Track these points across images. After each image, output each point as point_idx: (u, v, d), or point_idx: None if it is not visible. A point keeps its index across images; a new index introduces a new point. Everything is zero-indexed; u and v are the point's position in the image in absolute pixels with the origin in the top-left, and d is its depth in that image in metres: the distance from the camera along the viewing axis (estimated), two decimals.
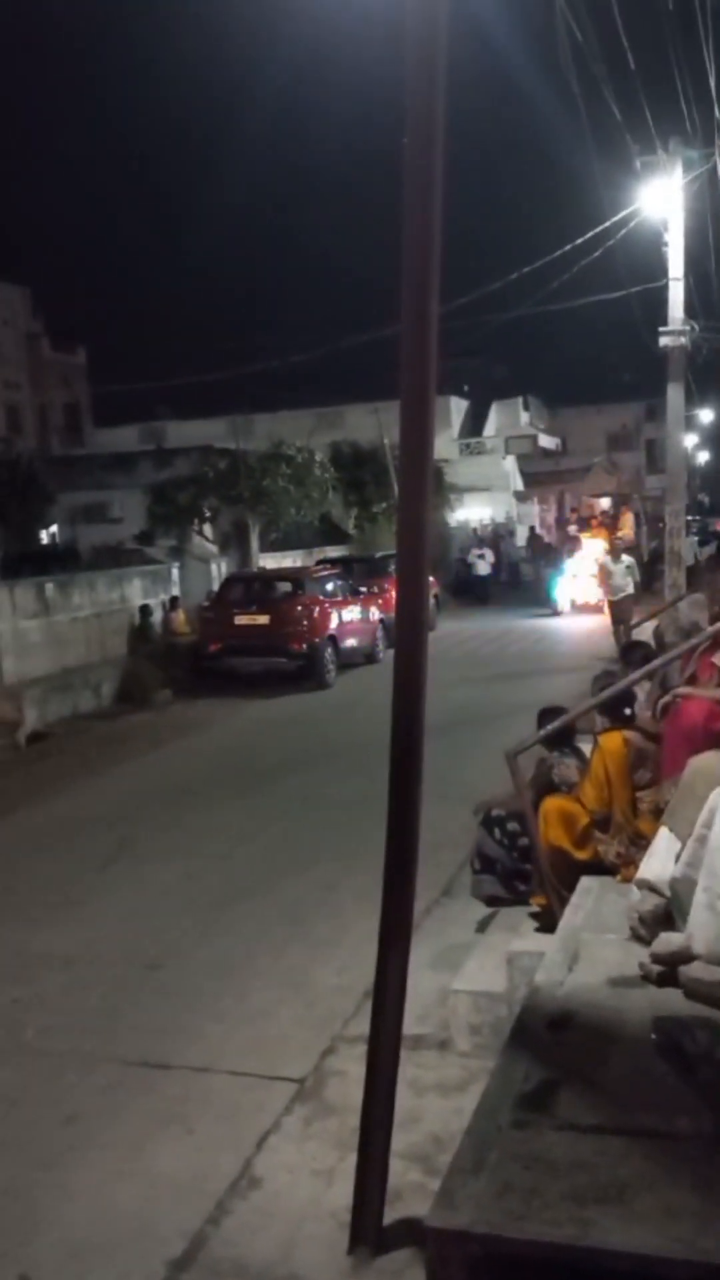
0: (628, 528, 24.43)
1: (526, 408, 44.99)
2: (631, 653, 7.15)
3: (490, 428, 41.21)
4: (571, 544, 22.85)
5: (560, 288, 17.82)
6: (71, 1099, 4.34)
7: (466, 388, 39.77)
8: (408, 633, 3.35)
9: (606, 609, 18.73)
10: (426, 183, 3.00)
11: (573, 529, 23.41)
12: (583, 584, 21.07)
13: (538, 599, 23.09)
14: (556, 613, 21.39)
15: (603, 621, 18.44)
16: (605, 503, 27.25)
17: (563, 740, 5.32)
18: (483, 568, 26.50)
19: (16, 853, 8.00)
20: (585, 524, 24.66)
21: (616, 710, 5.09)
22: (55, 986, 5.48)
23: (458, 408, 39.03)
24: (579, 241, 16.35)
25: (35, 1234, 3.48)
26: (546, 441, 44.99)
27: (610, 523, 24.29)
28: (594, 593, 20.24)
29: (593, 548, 21.59)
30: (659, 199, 16.06)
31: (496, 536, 31.32)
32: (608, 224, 15.98)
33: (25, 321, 39.07)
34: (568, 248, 16.53)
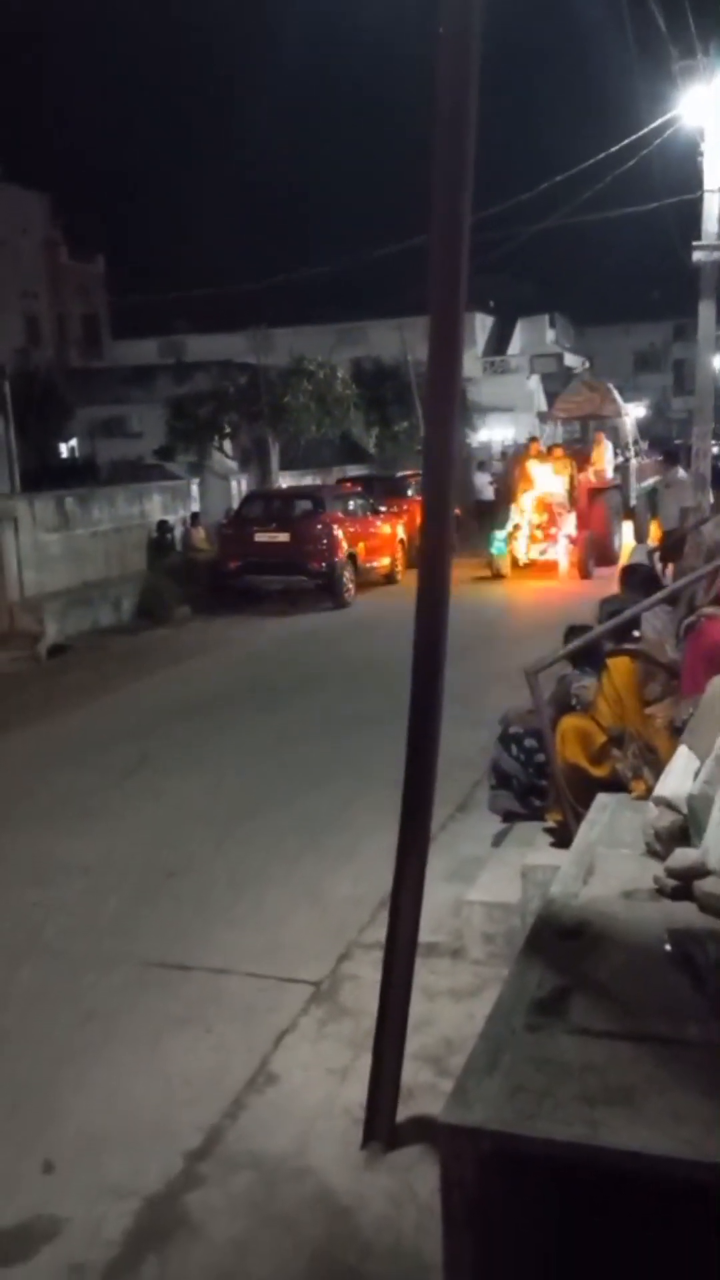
0: (600, 461, 18.47)
1: (553, 325, 44.05)
2: (632, 575, 7.11)
3: (515, 346, 40.40)
4: (521, 484, 17.37)
5: (591, 199, 17.29)
6: (90, 997, 4.44)
7: (492, 304, 38.92)
8: (432, 553, 3.32)
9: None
10: (461, 82, 2.87)
11: (534, 464, 17.54)
12: (529, 535, 16.73)
13: None
14: (498, 575, 16.41)
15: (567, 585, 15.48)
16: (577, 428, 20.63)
17: (586, 659, 5.31)
18: (489, 493, 25.94)
19: (37, 763, 8.10)
20: (547, 454, 18.46)
21: (624, 634, 5.08)
22: (75, 891, 5.58)
23: (482, 324, 38.24)
24: (612, 150, 15.81)
25: (55, 1125, 3.59)
26: (572, 361, 44.09)
27: (577, 452, 18.53)
28: (544, 545, 16.68)
29: (547, 482, 17.09)
30: (697, 106, 15.45)
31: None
32: (643, 132, 15.42)
33: (43, 228, 38.29)
34: (600, 157, 15.99)
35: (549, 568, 16.69)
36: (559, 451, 18.21)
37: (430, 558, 3.31)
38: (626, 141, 15.63)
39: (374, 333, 31.65)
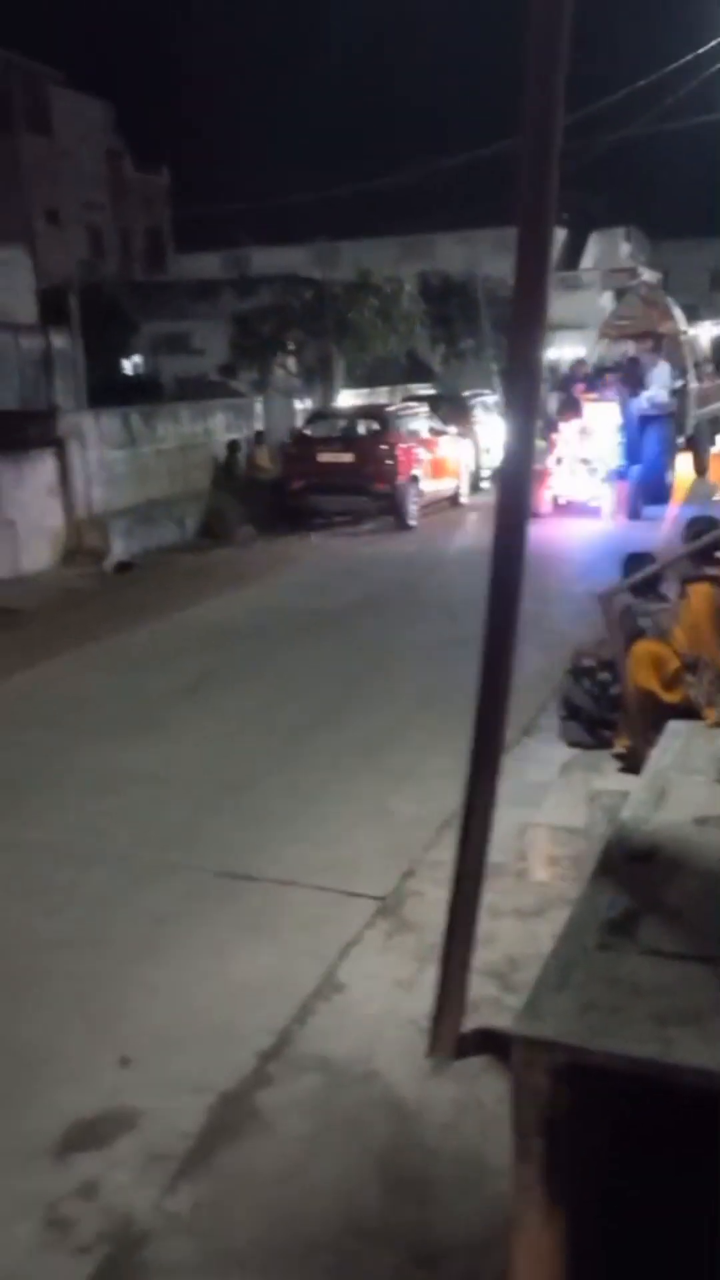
0: (655, 385, 16.21)
1: (627, 240, 42.54)
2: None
3: (588, 260, 39.11)
4: (567, 414, 15.17)
5: (673, 106, 16.54)
6: (159, 903, 4.57)
7: (565, 216, 37.64)
8: (513, 468, 3.26)
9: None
10: None
11: (579, 388, 15.64)
12: (572, 472, 14.71)
13: None
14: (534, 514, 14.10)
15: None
16: (632, 347, 17.57)
17: (650, 587, 5.24)
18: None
19: (102, 676, 8.26)
20: (593, 381, 16.26)
21: (706, 557, 4.98)
22: (142, 801, 5.72)
23: (556, 238, 37.01)
24: (698, 53, 15.07)
25: (128, 1023, 3.73)
26: (647, 277, 42.66)
27: (628, 374, 16.25)
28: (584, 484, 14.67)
29: (594, 410, 15.00)
30: None
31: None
32: None
33: (106, 139, 37.68)
34: (683, 61, 15.27)
35: (592, 507, 14.67)
36: (609, 377, 16.18)
37: (511, 474, 3.25)
38: (709, 46, 14.89)
39: (441, 246, 30.89)
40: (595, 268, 37.96)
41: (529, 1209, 2.21)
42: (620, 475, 14.66)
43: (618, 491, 14.54)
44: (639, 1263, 2.15)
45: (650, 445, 15.30)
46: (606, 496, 14.48)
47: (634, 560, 5.69)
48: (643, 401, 15.60)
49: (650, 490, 14.89)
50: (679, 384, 16.80)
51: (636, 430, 15.18)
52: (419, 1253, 2.67)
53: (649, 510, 14.40)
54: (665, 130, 18.41)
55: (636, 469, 14.85)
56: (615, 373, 16.35)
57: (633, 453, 14.98)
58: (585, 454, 14.63)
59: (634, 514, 14.32)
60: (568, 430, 14.83)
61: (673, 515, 13.53)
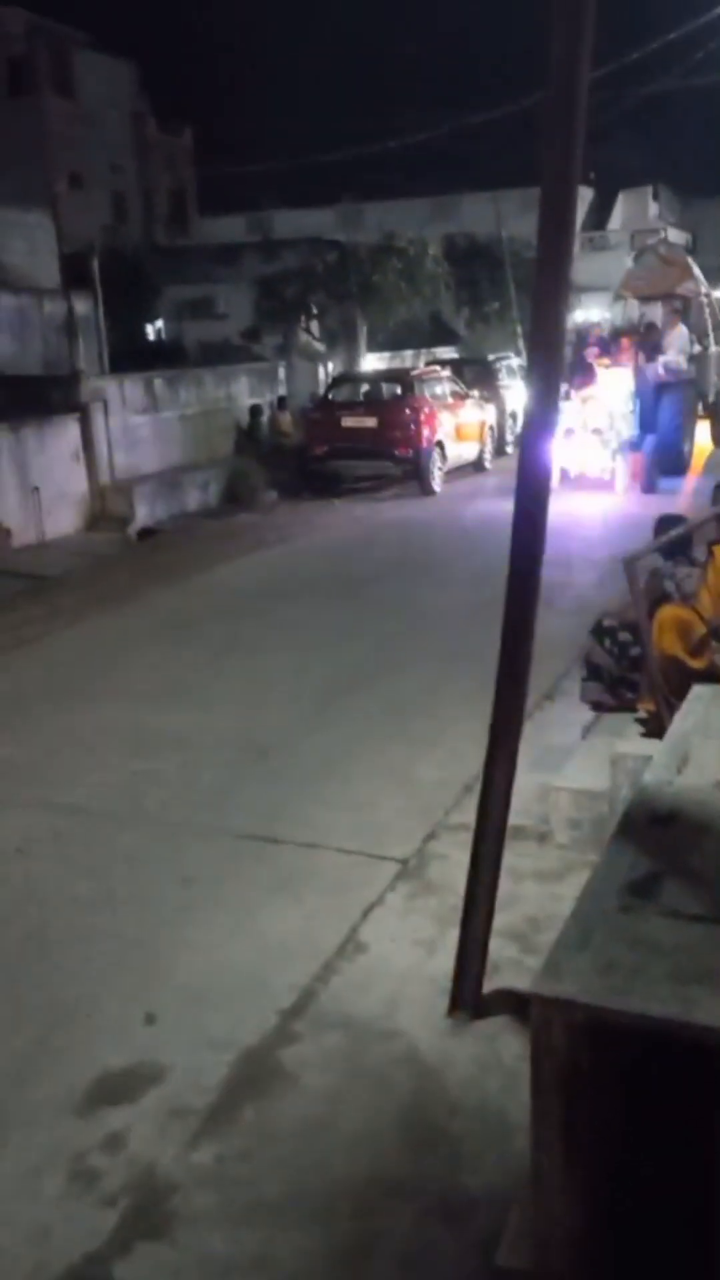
0: (673, 349, 15.09)
1: (656, 198, 41.78)
2: None
3: (616, 220, 38.50)
4: (579, 380, 14.13)
5: (704, 59, 16.18)
6: (188, 863, 4.63)
7: (592, 175, 37.03)
8: (535, 431, 3.24)
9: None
10: None
11: (593, 353, 14.60)
12: (582, 443, 13.62)
13: None
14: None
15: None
16: (658, 311, 16.21)
17: (680, 550, 5.20)
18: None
19: (131, 641, 8.31)
20: (608, 346, 15.24)
21: None
22: (171, 764, 5.77)
23: (582, 197, 36.49)
24: None
25: (156, 980, 3.79)
26: (676, 237, 41.88)
27: (644, 338, 15.19)
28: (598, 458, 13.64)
29: (612, 382, 14.13)
30: None
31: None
32: None
33: (131, 100, 37.26)
34: (715, 13, 14.90)
35: (606, 480, 13.62)
36: (626, 341, 15.12)
37: (533, 438, 3.23)
38: None
39: (468, 206, 30.47)
40: (623, 228, 37.38)
41: (548, 1166, 2.24)
42: (634, 446, 13.83)
43: (631, 463, 13.66)
44: (656, 1220, 2.18)
45: (666, 414, 14.35)
46: (619, 469, 13.62)
47: (666, 522, 5.65)
48: (659, 367, 14.67)
49: (666, 462, 13.96)
50: (698, 349, 15.85)
51: (652, 398, 14.29)
52: (440, 1206, 2.71)
53: (665, 483, 13.57)
54: (696, 85, 17.98)
55: (651, 439, 13.93)
56: (632, 336, 15.40)
57: (648, 422, 14.12)
58: (597, 423, 13.66)
59: (649, 487, 13.44)
60: (579, 398, 13.87)
61: (690, 488, 13.22)
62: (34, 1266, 2.63)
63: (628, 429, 13.88)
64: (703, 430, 15.86)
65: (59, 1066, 3.35)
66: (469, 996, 3.40)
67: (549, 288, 3.07)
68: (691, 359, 15.47)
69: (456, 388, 16.61)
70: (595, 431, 13.61)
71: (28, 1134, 3.08)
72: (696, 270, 17.04)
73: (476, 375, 18.70)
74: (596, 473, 13.55)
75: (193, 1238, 2.68)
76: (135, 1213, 2.77)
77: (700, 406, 15.70)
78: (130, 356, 17.34)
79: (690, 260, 17.55)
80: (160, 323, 25.26)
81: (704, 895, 2.62)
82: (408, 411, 14.99)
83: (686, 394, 14.98)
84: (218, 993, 3.68)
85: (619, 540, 7.82)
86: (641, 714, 4.79)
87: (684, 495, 12.70)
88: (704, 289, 16.95)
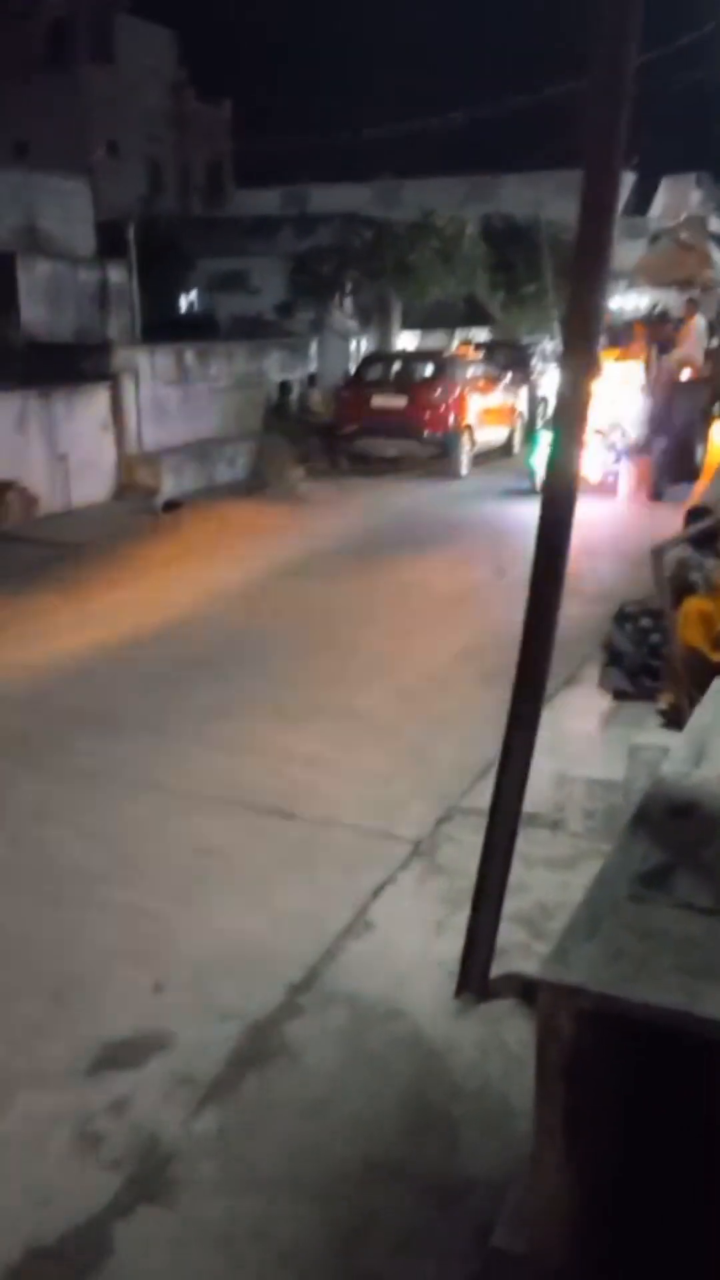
0: (688, 343, 13.74)
1: (699, 185, 41.18)
2: None
3: (657, 207, 37.97)
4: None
5: None
6: (201, 836, 4.66)
7: (635, 160, 36.53)
8: (566, 416, 3.22)
9: None
10: None
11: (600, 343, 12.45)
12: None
13: None
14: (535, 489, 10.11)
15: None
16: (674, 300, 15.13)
17: (709, 543, 5.17)
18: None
19: (153, 611, 8.32)
20: (620, 336, 13.68)
21: None
22: (187, 737, 5.79)
23: (624, 182, 36.04)
24: None
25: (167, 950, 3.82)
26: (718, 225, 41.39)
27: (658, 331, 13.93)
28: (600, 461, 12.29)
29: (620, 377, 12.69)
30: None
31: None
32: None
33: (171, 69, 37.00)
34: None
35: (609, 486, 12.42)
36: (639, 329, 13.78)
37: (565, 424, 3.20)
38: None
39: (507, 188, 30.14)
40: (665, 215, 36.89)
41: (549, 1151, 2.24)
42: (642, 448, 12.73)
43: (638, 467, 12.53)
44: (654, 1207, 2.18)
45: (679, 413, 13.15)
46: (624, 473, 12.49)
47: (697, 514, 5.63)
48: (673, 364, 13.52)
49: (677, 466, 12.59)
50: (715, 342, 14.58)
51: (664, 396, 13.11)
52: (437, 1188, 2.73)
53: (673, 490, 11.99)
54: None
55: (661, 441, 12.76)
56: (645, 325, 14.26)
57: (658, 422, 12.94)
58: (601, 423, 12.10)
59: (656, 494, 12.23)
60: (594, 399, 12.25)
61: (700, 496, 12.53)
62: (36, 1225, 2.66)
63: (634, 430, 12.77)
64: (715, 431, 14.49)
65: (68, 1033, 3.38)
66: (476, 978, 3.41)
67: (588, 274, 3.03)
68: (706, 356, 14.25)
69: (488, 370, 16.47)
70: (599, 432, 12.18)
71: (35, 1096, 3.11)
72: (716, 257, 15.83)
73: (510, 358, 18.51)
74: (598, 478, 12.18)
75: (193, 1206, 2.70)
76: (138, 1177, 2.80)
77: (716, 406, 13.79)
78: (162, 328, 17.28)
79: (713, 247, 16.31)
80: (194, 294, 25.17)
81: (716, 889, 2.61)
82: (438, 393, 14.89)
83: (701, 392, 13.78)
84: (226, 965, 3.70)
85: (615, 571, 7.80)
86: (662, 705, 4.77)
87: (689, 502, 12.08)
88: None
